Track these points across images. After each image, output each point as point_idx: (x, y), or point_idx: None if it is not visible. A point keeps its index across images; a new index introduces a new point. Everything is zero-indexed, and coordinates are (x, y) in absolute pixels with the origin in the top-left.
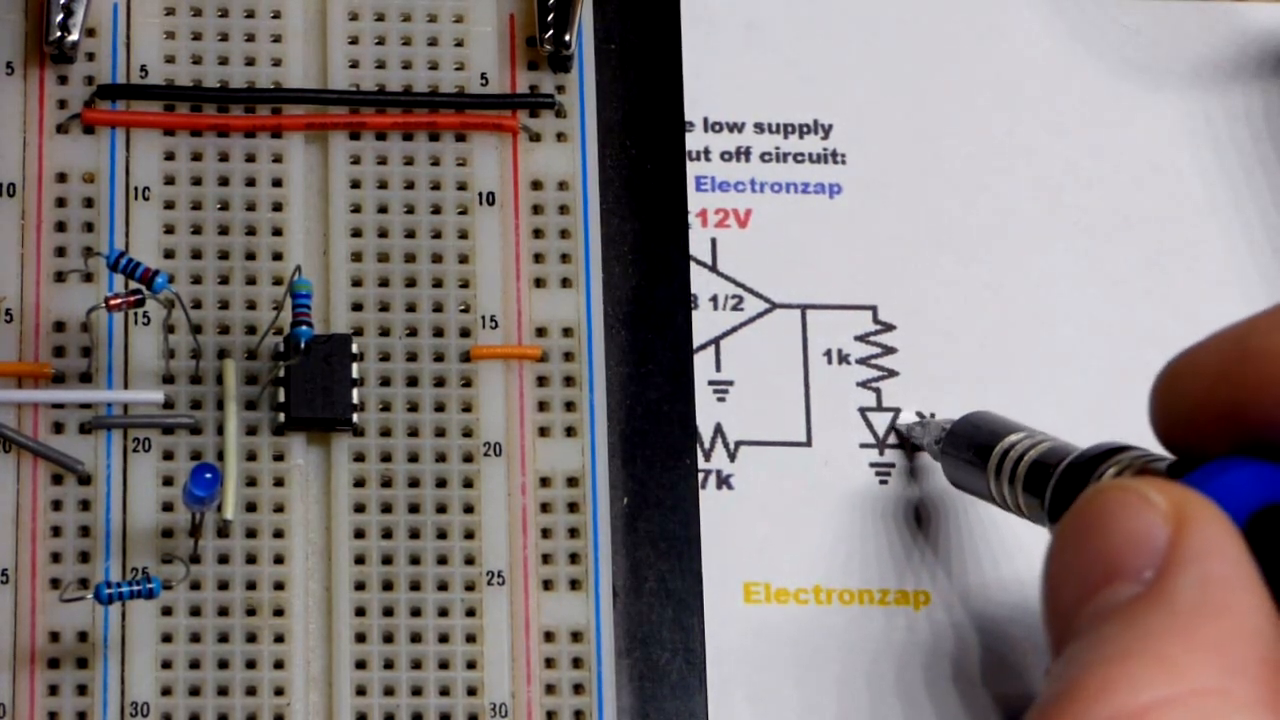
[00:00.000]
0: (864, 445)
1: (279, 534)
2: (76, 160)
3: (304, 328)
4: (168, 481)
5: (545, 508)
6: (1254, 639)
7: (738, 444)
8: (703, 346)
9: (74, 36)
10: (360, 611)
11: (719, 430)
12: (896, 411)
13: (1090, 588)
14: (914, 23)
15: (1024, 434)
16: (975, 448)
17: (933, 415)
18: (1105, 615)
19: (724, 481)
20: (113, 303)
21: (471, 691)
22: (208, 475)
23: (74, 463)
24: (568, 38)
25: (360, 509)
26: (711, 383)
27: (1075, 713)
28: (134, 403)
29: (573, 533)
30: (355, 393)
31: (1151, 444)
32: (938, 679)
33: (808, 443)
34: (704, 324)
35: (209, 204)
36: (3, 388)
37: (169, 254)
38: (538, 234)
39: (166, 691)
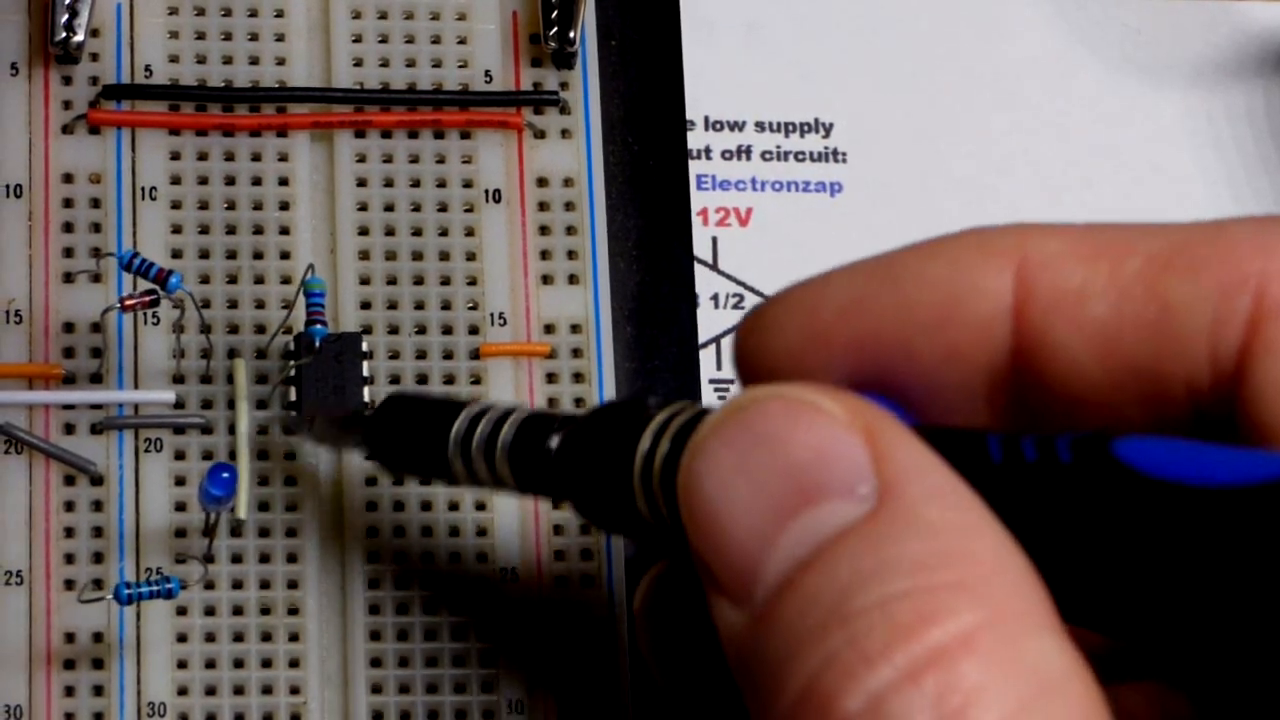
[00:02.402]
0: None
1: (292, 533)
2: (82, 161)
3: (318, 326)
4: (180, 481)
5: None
6: (1015, 553)
7: None
8: (704, 345)
9: (79, 37)
10: (375, 609)
11: None
12: None
13: (783, 510)
14: (914, 22)
15: (483, 403)
16: (425, 421)
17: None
18: (831, 541)
19: None
20: (127, 303)
21: (487, 688)
22: (225, 475)
23: (86, 463)
24: (572, 34)
25: (372, 508)
26: (713, 381)
27: (891, 653)
28: (145, 403)
29: (584, 530)
30: (366, 391)
31: None
32: None
33: None
34: (705, 322)
35: (215, 203)
36: (14, 389)
37: (176, 254)
38: (544, 231)
39: (183, 691)
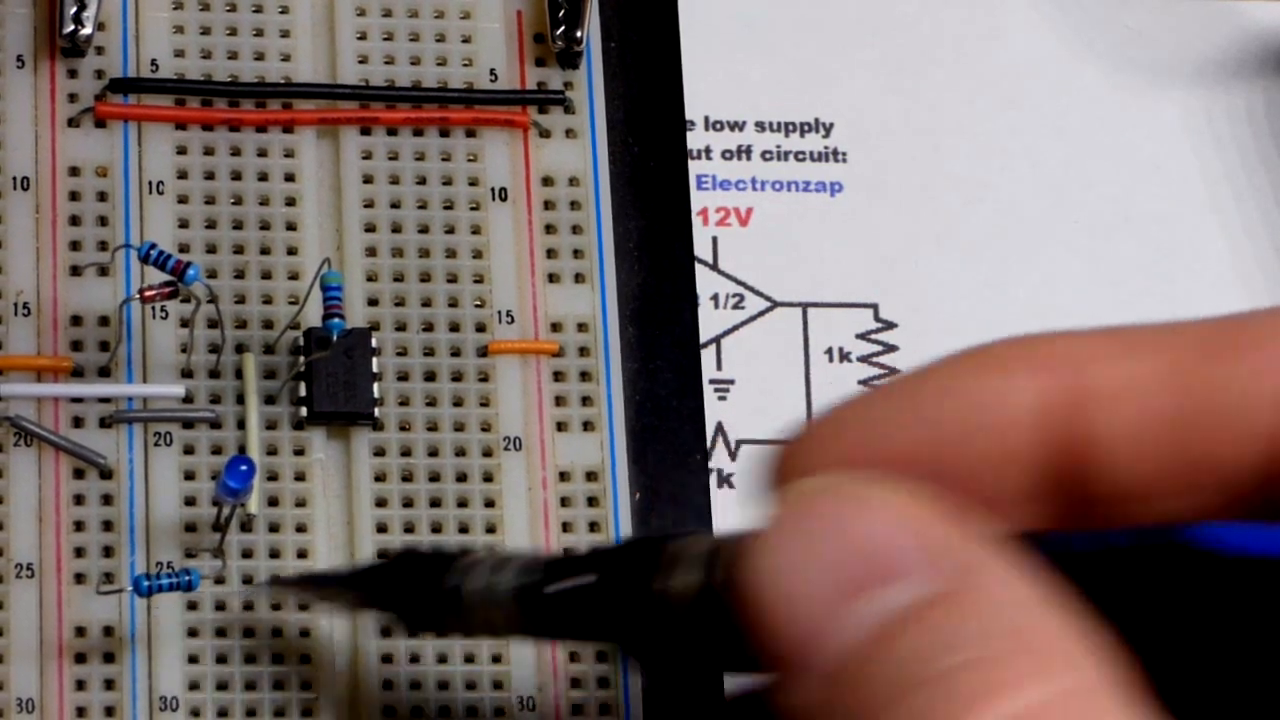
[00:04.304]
0: None
1: (301, 528)
2: (89, 154)
3: (336, 320)
4: (189, 476)
5: (565, 502)
6: (1083, 633)
7: (739, 443)
8: (704, 345)
9: (86, 30)
10: None
11: (720, 429)
12: None
13: (852, 587)
14: (914, 22)
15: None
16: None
17: None
18: (896, 619)
19: (725, 480)
20: (146, 294)
21: (498, 685)
22: (243, 468)
23: (96, 456)
24: (579, 34)
25: (382, 503)
26: (713, 381)
27: None
28: (154, 397)
29: (593, 526)
30: (375, 387)
31: None
32: None
33: None
34: (705, 322)
35: (222, 198)
36: (22, 382)
37: (184, 248)
38: (550, 229)
39: (194, 686)
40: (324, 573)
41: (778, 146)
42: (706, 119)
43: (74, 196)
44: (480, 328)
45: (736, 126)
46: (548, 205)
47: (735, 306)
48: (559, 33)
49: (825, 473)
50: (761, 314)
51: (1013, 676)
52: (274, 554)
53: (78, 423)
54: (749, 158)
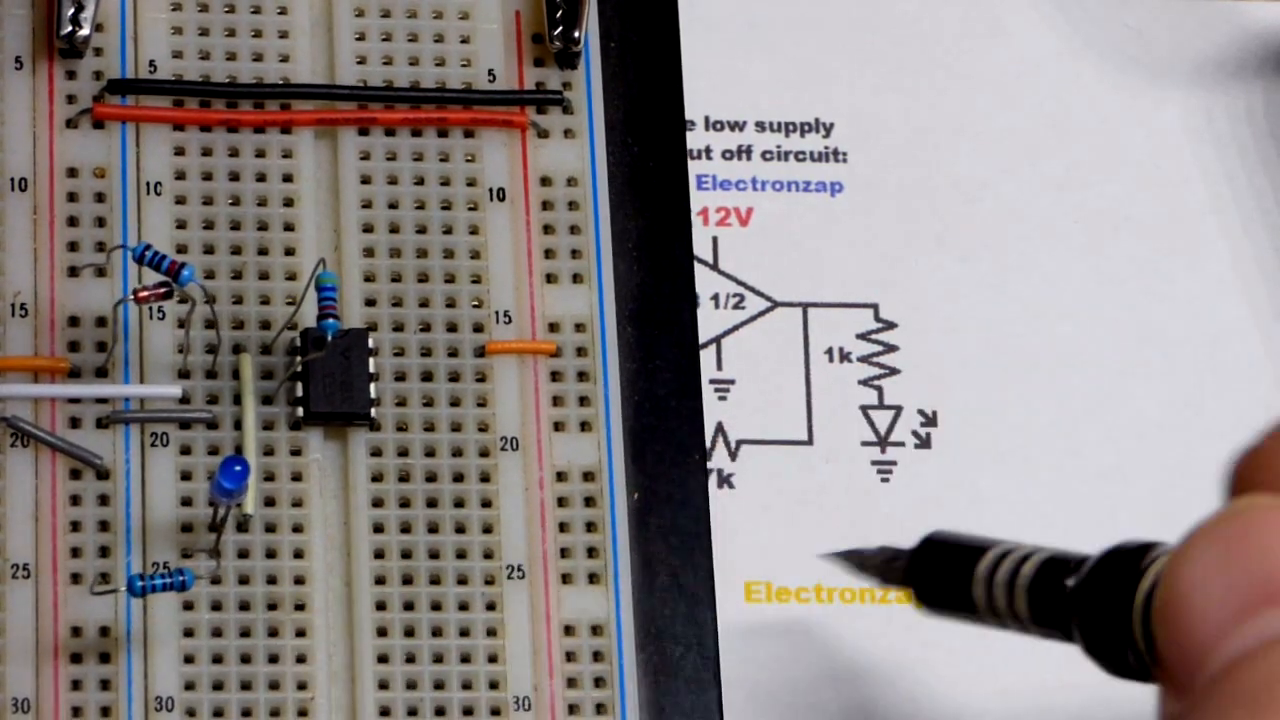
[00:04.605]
0: (865, 443)
1: (298, 529)
2: (87, 155)
3: (331, 320)
4: (186, 476)
5: (562, 502)
6: None
7: (739, 443)
8: (704, 345)
9: (84, 31)
10: (381, 606)
11: (720, 429)
12: (898, 410)
13: (1247, 606)
14: (914, 22)
15: (1007, 544)
16: (954, 562)
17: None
18: (1274, 640)
19: (725, 480)
20: (141, 295)
21: (494, 685)
22: (237, 468)
23: (93, 457)
24: (578, 34)
25: (379, 504)
26: (713, 381)
27: None
28: (151, 397)
29: (590, 526)
30: (372, 388)
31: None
32: (938, 679)
33: (809, 441)
34: (705, 322)
35: (220, 199)
36: (19, 382)
37: (181, 249)
38: (548, 230)
39: (190, 686)
40: (865, 551)
41: (778, 146)
42: (706, 119)
43: (72, 197)
44: (478, 328)
45: (736, 126)
46: (546, 205)
47: (735, 306)
48: (557, 33)
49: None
50: (761, 314)
51: None
52: (270, 554)
53: (74, 423)
54: (749, 158)
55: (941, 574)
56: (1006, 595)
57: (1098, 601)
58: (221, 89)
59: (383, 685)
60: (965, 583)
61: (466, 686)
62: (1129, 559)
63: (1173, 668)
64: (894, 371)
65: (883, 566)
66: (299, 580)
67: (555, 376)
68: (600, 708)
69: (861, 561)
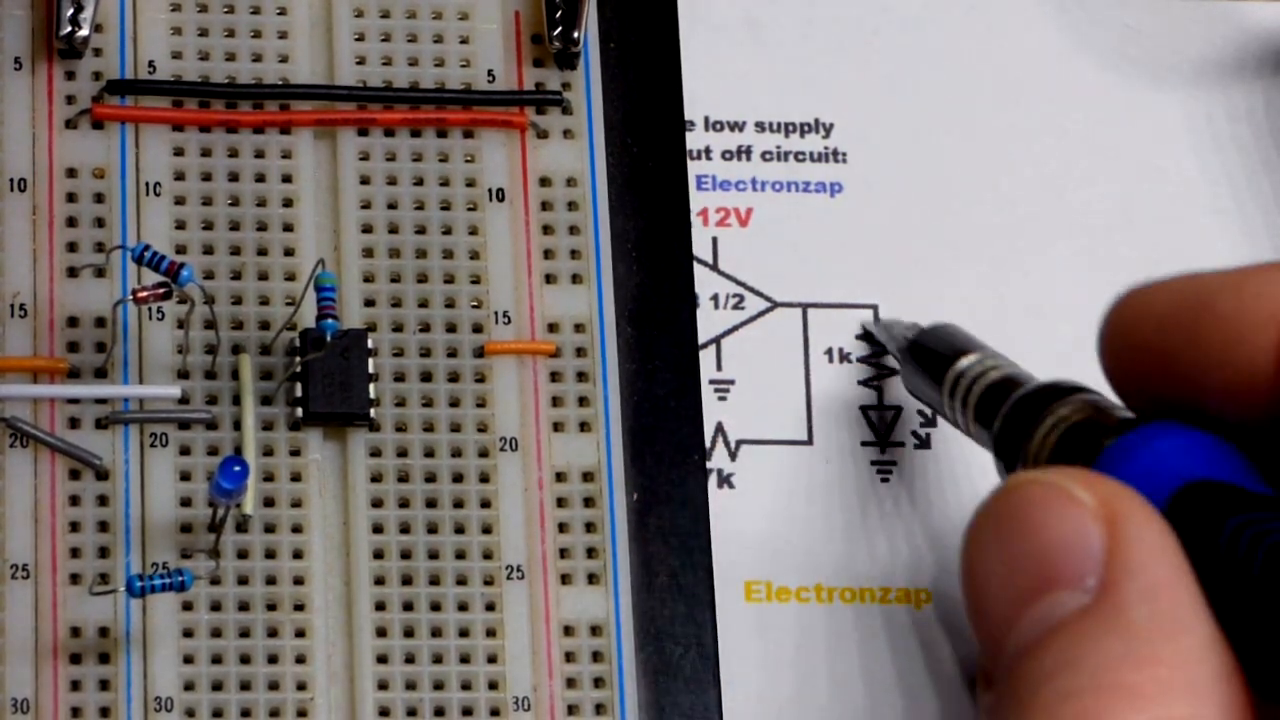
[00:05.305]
0: (865, 443)
1: (297, 529)
2: (86, 155)
3: (330, 320)
4: (185, 476)
5: (561, 502)
6: (1209, 654)
7: (739, 443)
8: (704, 345)
9: (84, 31)
10: (380, 606)
11: (720, 429)
12: (898, 410)
13: (1026, 594)
14: (914, 22)
15: (980, 355)
16: (933, 362)
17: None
18: (1056, 631)
19: (725, 480)
20: (140, 295)
21: (493, 685)
22: (236, 468)
23: (92, 457)
24: (577, 35)
25: (378, 504)
26: (713, 382)
27: None
28: (150, 398)
29: (589, 527)
30: (371, 388)
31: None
32: (938, 679)
33: (809, 441)
34: (705, 323)
35: (219, 199)
36: (19, 383)
37: (180, 249)
38: (547, 230)
39: (189, 686)
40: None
41: (778, 146)
42: (706, 119)
43: (71, 198)
44: (477, 328)
45: (736, 126)
46: (545, 206)
47: (735, 307)
48: (556, 33)
49: (1134, 350)
50: (761, 314)
51: (1103, 713)
52: (270, 554)
53: (74, 424)
54: (749, 158)
55: (923, 369)
56: (962, 412)
57: (1005, 444)
58: (221, 89)
59: (382, 686)
60: (937, 386)
61: (466, 687)
62: (1034, 403)
63: (979, 635)
64: (894, 372)
65: (894, 347)
66: (298, 581)
67: (554, 377)
68: (599, 708)
69: (878, 335)
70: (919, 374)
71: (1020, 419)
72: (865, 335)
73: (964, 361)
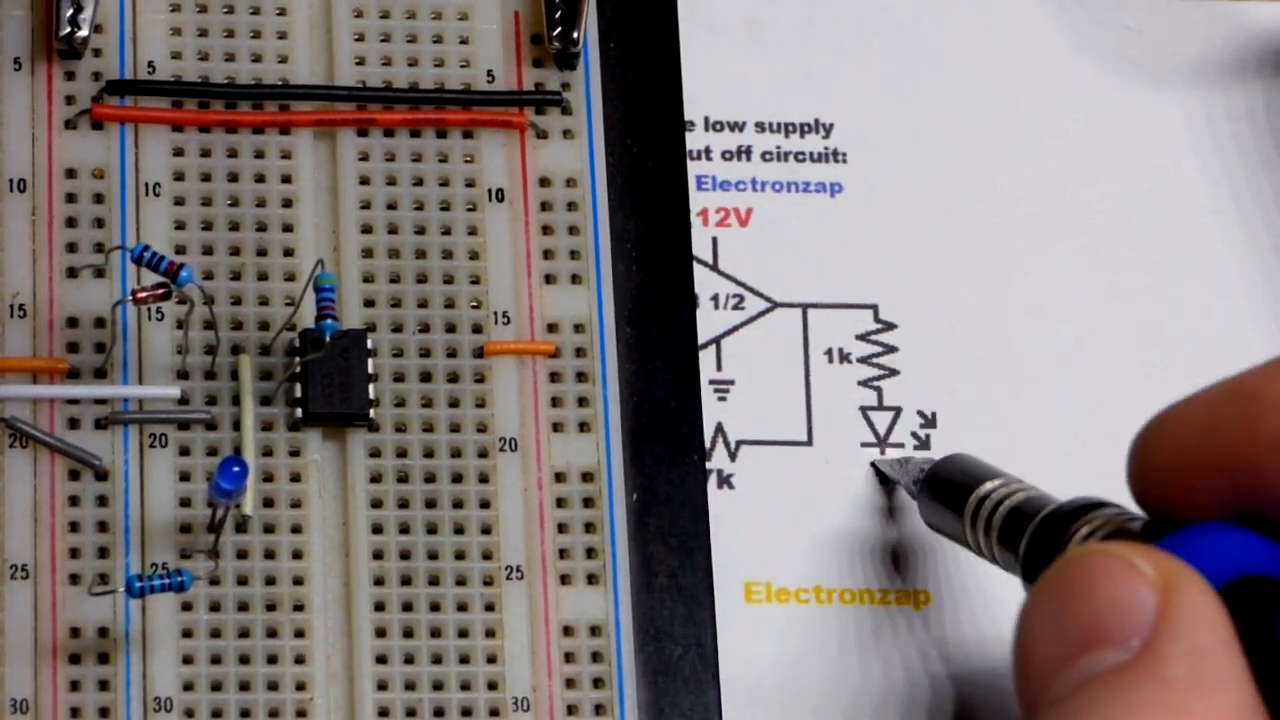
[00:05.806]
0: (865, 444)
1: (297, 529)
2: (86, 156)
3: (329, 321)
4: (185, 477)
5: (561, 503)
6: (1240, 714)
7: (738, 443)
8: (703, 346)
9: (84, 32)
10: (380, 606)
11: (720, 430)
12: (898, 411)
13: (1072, 651)
14: (914, 22)
15: (1000, 481)
16: (952, 493)
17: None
18: (1091, 681)
19: (725, 481)
20: (139, 295)
21: (493, 686)
22: (235, 469)
23: (91, 458)
24: (576, 35)
25: (377, 504)
26: (712, 382)
27: None
28: (150, 398)
29: (589, 527)
30: (371, 388)
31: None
32: (938, 679)
33: (809, 442)
34: (705, 323)
35: (219, 200)
36: (18, 383)
37: (180, 249)
38: (547, 230)
39: (189, 687)
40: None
41: (778, 147)
42: (706, 119)
43: (71, 198)
44: (476, 329)
45: (736, 126)
46: (544, 206)
47: (735, 307)
48: (556, 34)
49: (1169, 474)
50: (761, 314)
51: None
52: (269, 555)
53: (73, 424)
54: (749, 158)
55: (941, 500)
56: (985, 537)
57: (1033, 566)
58: (220, 90)
59: (381, 686)
60: (958, 515)
61: (465, 687)
62: (1061, 521)
63: (1020, 698)
64: (893, 372)
65: (906, 481)
66: (298, 581)
67: (554, 377)
68: (599, 708)
69: (890, 473)
70: (938, 506)
71: (1048, 537)
72: (877, 472)
73: (984, 488)
